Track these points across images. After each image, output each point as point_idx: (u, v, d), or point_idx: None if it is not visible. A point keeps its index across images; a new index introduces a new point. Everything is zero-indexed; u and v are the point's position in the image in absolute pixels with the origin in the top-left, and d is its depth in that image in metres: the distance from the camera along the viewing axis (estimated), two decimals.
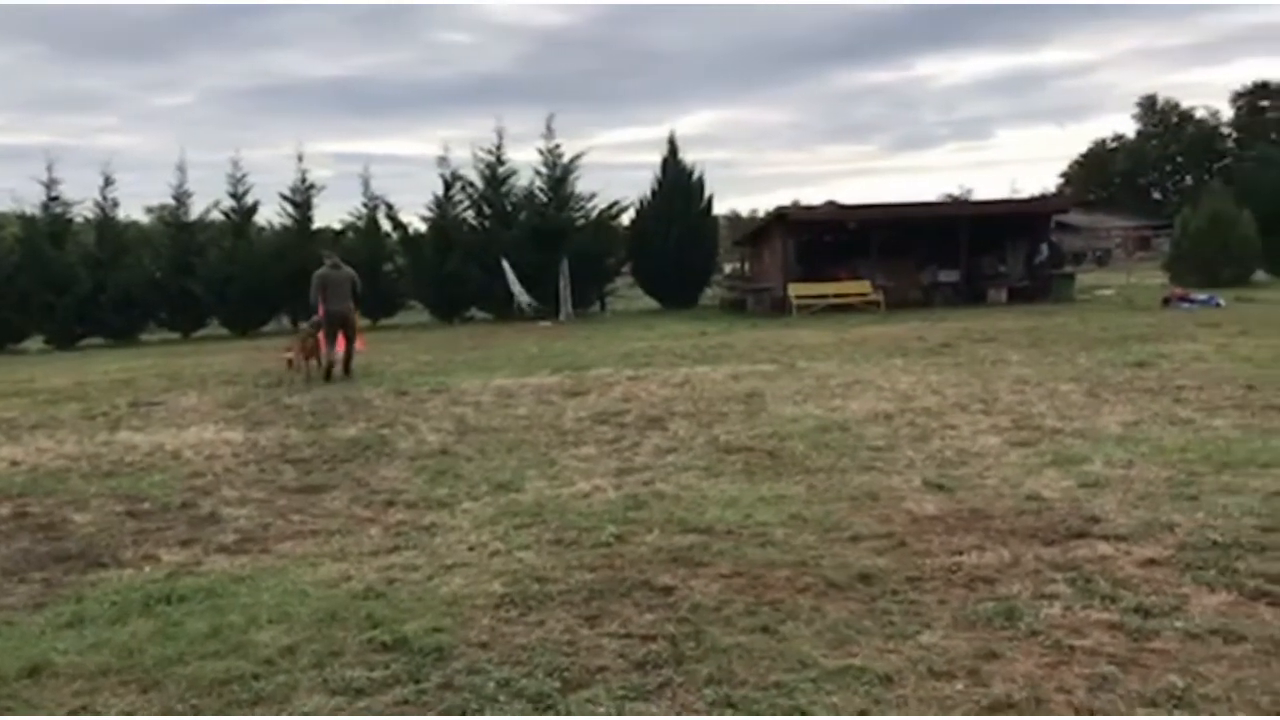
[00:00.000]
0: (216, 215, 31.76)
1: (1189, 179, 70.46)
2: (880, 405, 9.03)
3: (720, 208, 44.40)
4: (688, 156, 32.73)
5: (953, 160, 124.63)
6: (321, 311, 13.82)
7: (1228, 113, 71.02)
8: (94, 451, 8.67)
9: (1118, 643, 3.63)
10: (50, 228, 30.45)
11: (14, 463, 8.31)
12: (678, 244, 30.54)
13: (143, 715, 3.42)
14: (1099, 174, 73.52)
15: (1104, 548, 4.70)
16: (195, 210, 31.77)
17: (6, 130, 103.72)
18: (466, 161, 33.51)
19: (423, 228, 31.66)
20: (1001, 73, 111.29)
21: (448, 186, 31.44)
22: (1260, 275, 28.42)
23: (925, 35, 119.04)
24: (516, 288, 27.78)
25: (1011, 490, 5.85)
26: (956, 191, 71.45)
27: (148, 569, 5.13)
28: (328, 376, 13.43)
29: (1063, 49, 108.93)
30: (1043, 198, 43.46)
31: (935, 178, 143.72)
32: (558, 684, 3.51)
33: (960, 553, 4.74)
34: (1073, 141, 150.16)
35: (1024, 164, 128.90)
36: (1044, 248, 26.93)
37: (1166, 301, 20.94)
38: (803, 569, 4.59)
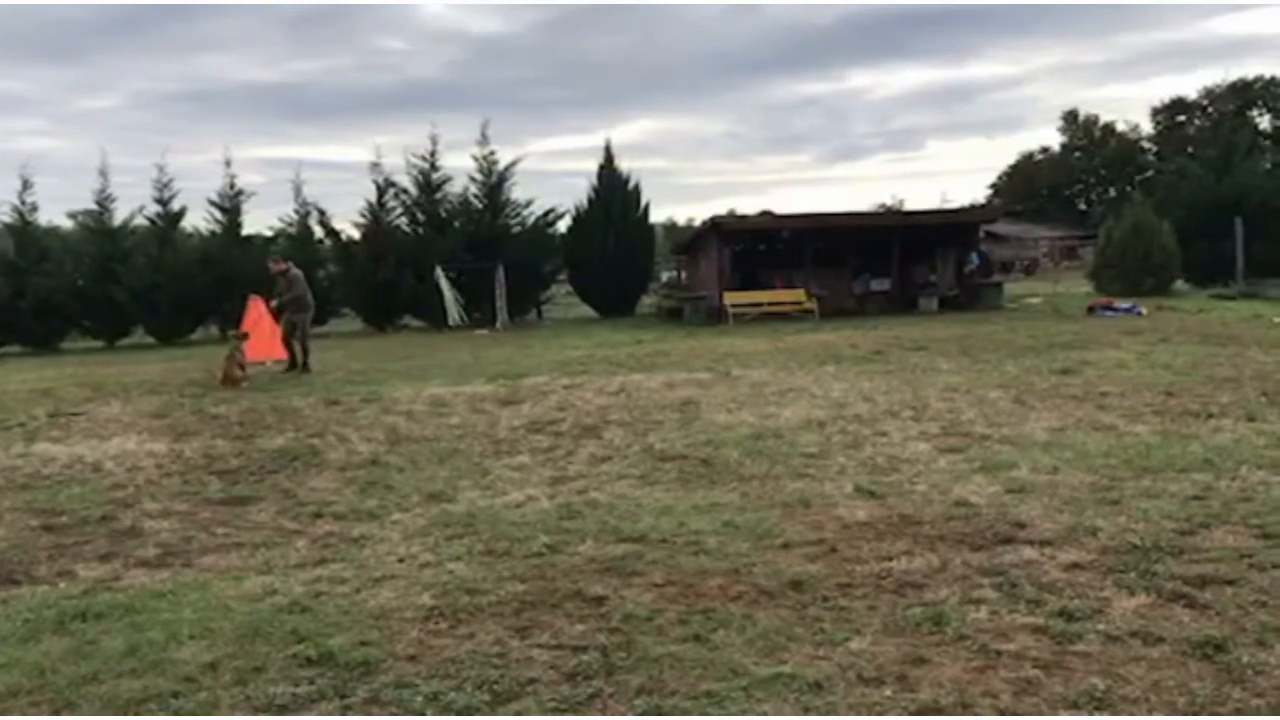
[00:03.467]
0: (141, 221, 30.93)
1: (1112, 190, 72.47)
2: (813, 413, 9.11)
3: (657, 216, 44.59)
4: (624, 164, 32.76)
5: (885, 170, 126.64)
6: (288, 310, 15.51)
7: (1148, 127, 73.32)
8: (9, 464, 8.38)
9: (1042, 646, 3.70)
10: None
11: None
12: (614, 252, 30.52)
13: None
14: (1026, 185, 75.15)
15: (1029, 552, 4.79)
16: (120, 215, 30.96)
17: None
18: (400, 168, 33.08)
19: (356, 235, 31.25)
20: (932, 85, 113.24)
21: (381, 193, 31.07)
22: (1180, 285, 29.27)
23: (858, 48, 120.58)
24: (450, 302, 27.51)
25: (941, 496, 5.94)
26: (889, 201, 72.60)
27: (63, 585, 4.97)
28: (307, 369, 15.26)
29: (990, 63, 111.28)
30: (972, 208, 44.31)
31: (868, 188, 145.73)
32: (487, 697, 3.46)
33: (890, 559, 4.79)
34: (1001, 153, 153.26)
35: (954, 175, 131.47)
36: (974, 257, 27.44)
37: (1091, 310, 21.46)
38: (735, 577, 4.61)
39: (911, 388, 10.49)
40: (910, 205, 63.90)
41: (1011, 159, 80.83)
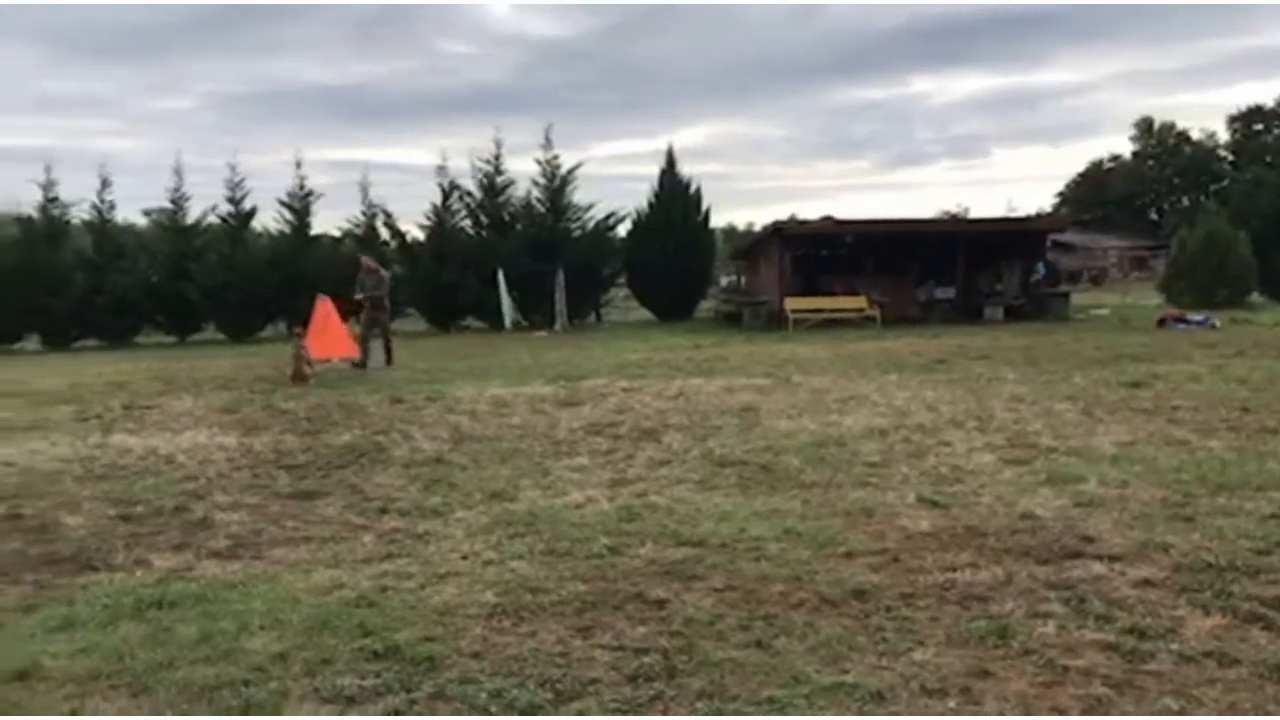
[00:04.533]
0: (214, 219, 31.69)
1: (1185, 200, 70.82)
2: (875, 421, 9.03)
3: (716, 220, 44.45)
4: (684, 169, 32.80)
5: (947, 177, 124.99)
6: (370, 308, 16.36)
7: (1224, 135, 71.52)
8: (87, 454, 8.64)
9: (1112, 664, 3.63)
10: (47, 230, 30.37)
11: (8, 464, 8.28)
12: (674, 256, 30.55)
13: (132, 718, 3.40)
14: (1095, 194, 73.76)
15: (1098, 568, 4.70)
16: (192, 214, 31.74)
17: (6, 131, 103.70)
18: (465, 171, 33.40)
19: (420, 236, 31.69)
20: (996, 92, 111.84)
21: (446, 195, 31.46)
22: (1256, 297, 28.51)
23: (921, 54, 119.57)
24: (507, 305, 27.78)
25: (1006, 508, 5.85)
26: (953, 209, 71.68)
27: (139, 573, 5.10)
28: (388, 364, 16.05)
29: (1056, 70, 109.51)
30: (1039, 217, 43.62)
31: (930, 194, 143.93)
32: (550, 695, 3.49)
33: (954, 570, 4.74)
34: (1069, 161, 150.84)
35: (1020, 183, 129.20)
36: (1040, 266, 27.02)
37: (1162, 322, 20.99)
38: (797, 584, 4.59)
39: (976, 397, 10.35)
40: (975, 213, 63.05)
41: (1080, 167, 79.37)
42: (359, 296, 16.60)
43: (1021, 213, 51.53)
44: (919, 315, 25.97)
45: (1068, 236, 47.23)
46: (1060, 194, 78.37)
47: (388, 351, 16.47)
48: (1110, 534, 5.23)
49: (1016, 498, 6.08)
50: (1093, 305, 29.22)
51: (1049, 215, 54.41)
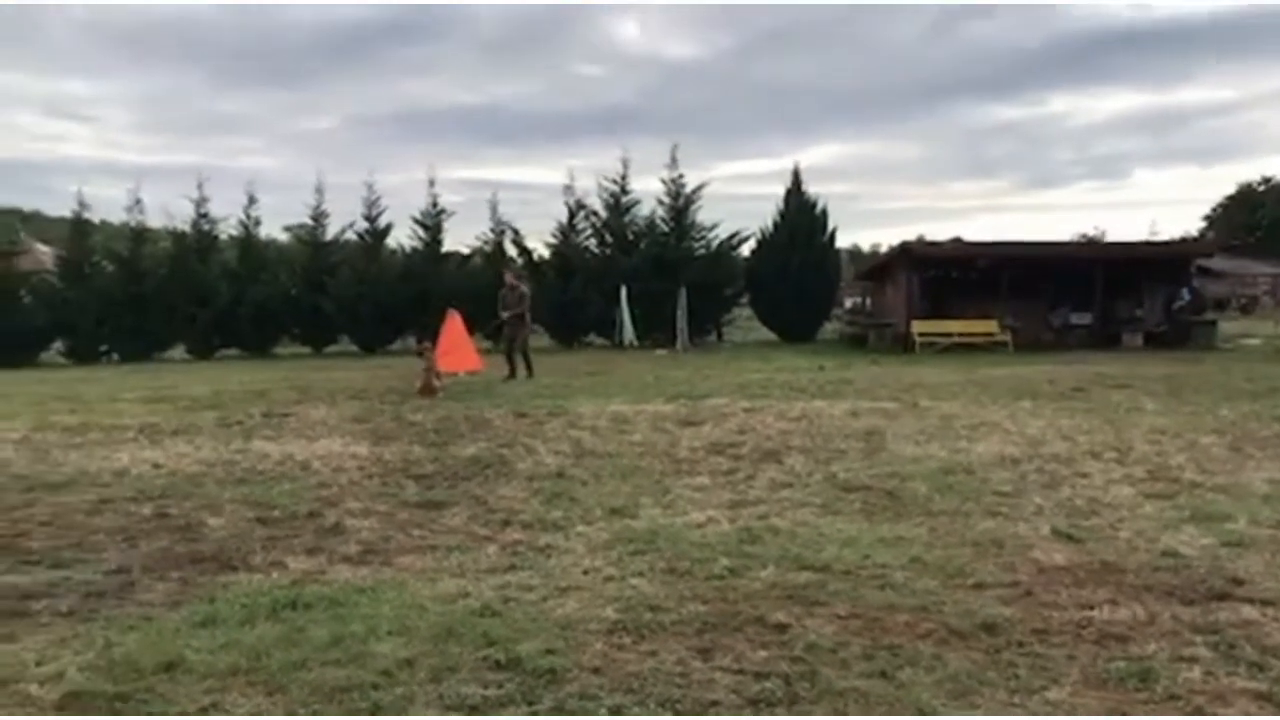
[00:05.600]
0: (351, 236, 32.89)
1: None
2: (1007, 449, 8.74)
3: (842, 241, 43.92)
4: (811, 188, 32.53)
5: (1086, 199, 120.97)
6: (510, 324, 17.10)
7: None
8: (229, 458, 9.04)
9: (1266, 715, 3.41)
10: (197, 243, 32.02)
11: (156, 465, 8.73)
12: (798, 276, 30.30)
13: (268, 716, 3.52)
14: (1246, 217, 70.02)
15: (1249, 611, 4.43)
16: (331, 230, 33.00)
17: (163, 150, 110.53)
18: (591, 190, 33.87)
19: (546, 254, 32.22)
20: (1140, 111, 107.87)
21: (572, 214, 31.96)
22: None
23: (1060, 72, 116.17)
24: (626, 323, 27.98)
25: (1147, 545, 5.58)
26: (1091, 232, 69.08)
27: (275, 575, 5.30)
28: (529, 376, 16.71)
29: (1205, 88, 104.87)
30: (1183, 241, 41.66)
31: (1067, 217, 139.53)
32: (670, 715, 3.48)
33: (1091, 607, 4.54)
34: (1217, 183, 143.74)
35: (1164, 205, 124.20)
36: (1184, 293, 25.80)
37: None
38: (923, 614, 4.46)
39: (1114, 428, 9.92)
40: (1114, 236, 60.74)
41: (1229, 189, 75.43)
42: (504, 314, 17.12)
43: (1165, 236, 49.42)
44: (1053, 341, 25.11)
45: (1215, 262, 44.89)
46: (1207, 217, 74.67)
47: (514, 366, 16.90)
48: (1262, 577, 4.93)
49: (1158, 534, 5.79)
50: (1242, 334, 27.74)
51: (1195, 239, 51.93)
